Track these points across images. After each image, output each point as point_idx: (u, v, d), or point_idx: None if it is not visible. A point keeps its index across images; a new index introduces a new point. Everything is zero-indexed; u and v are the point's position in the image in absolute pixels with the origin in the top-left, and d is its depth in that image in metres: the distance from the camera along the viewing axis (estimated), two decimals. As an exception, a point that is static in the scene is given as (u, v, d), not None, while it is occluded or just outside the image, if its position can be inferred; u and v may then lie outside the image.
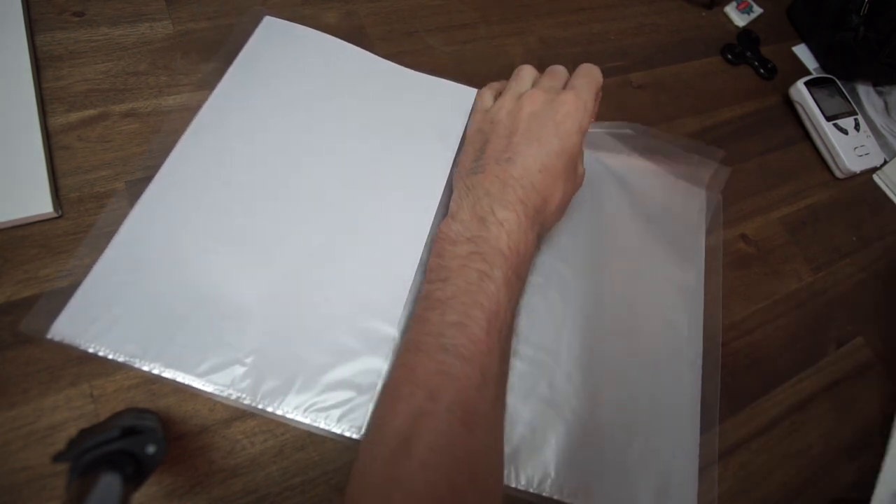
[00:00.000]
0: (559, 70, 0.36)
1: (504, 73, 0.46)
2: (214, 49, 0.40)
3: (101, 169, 0.34)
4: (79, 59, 0.37)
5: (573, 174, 0.32)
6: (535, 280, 0.35)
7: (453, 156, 0.38)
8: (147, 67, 0.38)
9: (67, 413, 0.28)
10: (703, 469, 0.32)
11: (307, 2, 0.44)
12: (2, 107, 0.33)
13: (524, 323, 0.34)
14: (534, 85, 0.35)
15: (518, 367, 0.32)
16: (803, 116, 0.51)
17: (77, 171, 0.33)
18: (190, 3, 0.42)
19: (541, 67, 0.47)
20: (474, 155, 0.33)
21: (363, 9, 0.46)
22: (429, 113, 0.40)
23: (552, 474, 0.30)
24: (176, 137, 0.35)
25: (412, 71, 0.42)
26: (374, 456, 0.24)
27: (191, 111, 0.37)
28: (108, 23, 0.39)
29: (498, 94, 0.38)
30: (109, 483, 0.20)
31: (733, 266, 0.41)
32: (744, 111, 0.50)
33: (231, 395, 0.29)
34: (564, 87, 0.34)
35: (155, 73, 0.38)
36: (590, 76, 0.34)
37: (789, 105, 0.53)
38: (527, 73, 0.36)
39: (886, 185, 0.51)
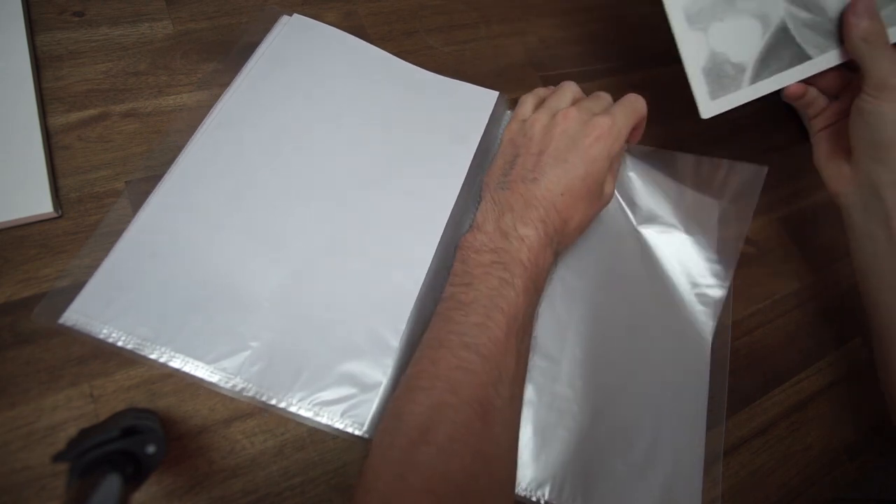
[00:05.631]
0: (602, 95, 0.36)
1: (504, 73, 0.46)
2: (214, 49, 0.40)
3: (101, 169, 0.34)
4: (79, 59, 0.37)
5: (597, 197, 0.33)
6: None
7: (471, 157, 0.39)
8: (147, 67, 0.38)
9: (67, 413, 0.28)
10: (706, 468, 0.32)
11: (307, 1, 0.45)
12: (2, 107, 0.33)
13: None
14: (574, 103, 0.35)
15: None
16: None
17: (77, 171, 0.34)
18: (190, 3, 0.42)
19: (541, 67, 0.48)
20: (503, 168, 0.34)
21: (363, 9, 0.46)
22: (449, 115, 0.40)
23: (552, 479, 0.30)
24: (177, 137, 0.35)
25: (433, 73, 0.42)
26: (391, 443, 0.25)
27: (191, 111, 0.37)
28: (108, 23, 0.39)
29: (539, 103, 0.37)
30: (109, 483, 0.20)
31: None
32: (744, 111, 0.50)
33: (237, 385, 0.29)
34: (605, 111, 0.34)
35: (155, 73, 0.38)
36: (631, 105, 0.35)
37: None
38: (568, 88, 0.36)
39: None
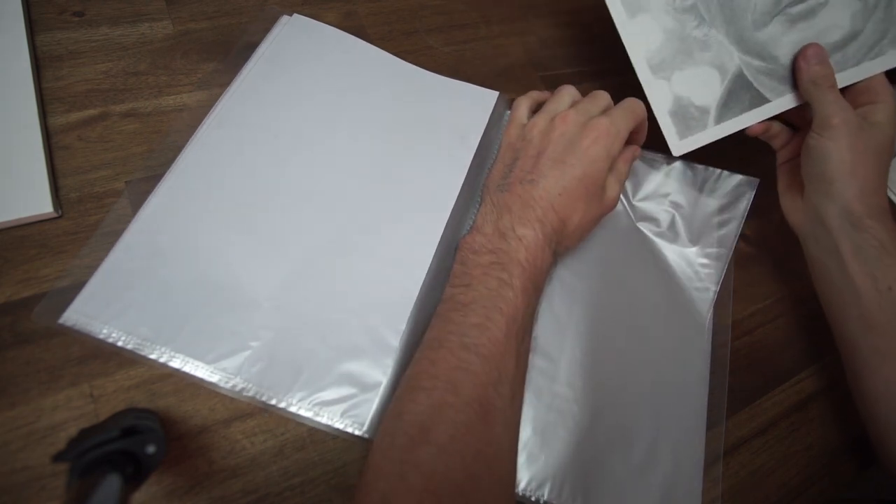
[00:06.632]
0: (601, 95, 0.36)
1: (504, 73, 0.46)
2: (214, 49, 0.40)
3: (101, 169, 0.34)
4: (79, 59, 0.37)
5: (597, 198, 0.33)
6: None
7: (471, 157, 0.39)
8: (147, 67, 0.38)
9: (67, 413, 0.28)
10: (706, 468, 0.32)
11: (307, 1, 0.45)
12: (2, 107, 0.33)
13: None
14: (572, 106, 0.35)
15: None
16: None
17: (77, 171, 0.34)
18: (190, 3, 0.42)
19: (541, 67, 0.48)
20: (503, 171, 0.34)
21: (363, 9, 0.46)
22: (449, 115, 0.40)
23: (551, 479, 0.30)
24: (177, 137, 0.35)
25: (433, 73, 0.42)
26: (392, 443, 0.25)
27: (191, 111, 0.37)
28: (108, 23, 0.39)
29: (534, 105, 0.38)
30: (109, 483, 0.20)
31: (733, 266, 0.41)
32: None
33: (237, 385, 0.29)
34: (604, 113, 0.35)
35: (155, 73, 0.38)
36: (630, 108, 0.35)
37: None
38: (567, 92, 0.36)
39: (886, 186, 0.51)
